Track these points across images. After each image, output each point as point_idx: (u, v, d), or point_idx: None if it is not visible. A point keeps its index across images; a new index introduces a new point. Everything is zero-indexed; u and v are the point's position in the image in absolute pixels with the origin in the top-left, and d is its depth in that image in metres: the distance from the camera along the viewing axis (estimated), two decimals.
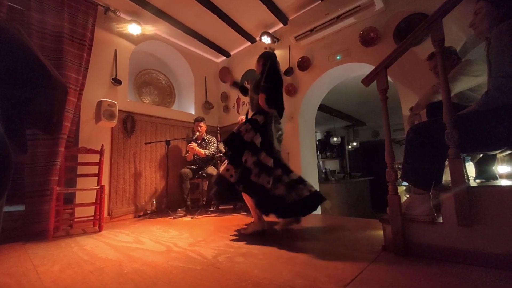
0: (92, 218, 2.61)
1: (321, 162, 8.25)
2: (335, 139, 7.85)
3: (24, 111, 0.78)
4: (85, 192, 2.67)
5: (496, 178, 1.62)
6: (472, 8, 1.35)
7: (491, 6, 1.24)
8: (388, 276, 1.12)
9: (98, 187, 2.52)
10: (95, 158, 2.67)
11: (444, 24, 1.30)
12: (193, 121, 3.79)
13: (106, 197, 2.86)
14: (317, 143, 7.98)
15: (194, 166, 3.50)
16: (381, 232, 1.51)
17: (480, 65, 1.59)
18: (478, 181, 1.65)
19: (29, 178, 2.31)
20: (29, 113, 0.80)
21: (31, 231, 2.24)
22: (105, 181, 2.93)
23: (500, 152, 1.40)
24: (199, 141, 3.58)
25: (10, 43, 0.72)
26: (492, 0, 1.23)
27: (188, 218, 2.96)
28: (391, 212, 1.39)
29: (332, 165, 8.55)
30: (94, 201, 2.59)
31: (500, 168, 1.72)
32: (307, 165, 3.49)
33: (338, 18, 2.92)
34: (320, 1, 3.18)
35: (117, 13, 3.17)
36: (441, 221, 1.26)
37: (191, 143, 3.46)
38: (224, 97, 4.54)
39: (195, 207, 3.49)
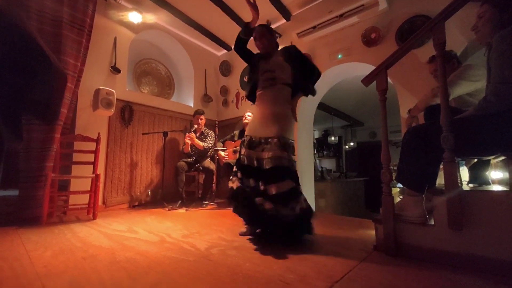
0: (87, 206, 2.60)
1: (318, 161, 8.28)
2: (332, 138, 7.88)
3: (22, 98, 0.77)
4: (80, 180, 2.66)
5: (489, 184, 1.65)
6: (475, 12, 1.35)
7: (494, 11, 1.24)
8: (377, 275, 1.14)
9: (93, 175, 2.51)
10: (91, 146, 2.65)
11: (446, 28, 1.30)
12: (192, 114, 3.78)
13: (101, 185, 2.86)
14: (315, 141, 8.01)
15: (190, 159, 3.50)
16: (373, 232, 1.52)
17: (480, 70, 1.59)
18: (471, 185, 1.67)
19: (23, 163, 2.29)
20: (27, 100, 0.78)
21: (25, 216, 2.23)
22: (100, 170, 2.92)
23: (494, 158, 1.42)
24: (197, 134, 3.57)
25: (10, 28, 0.70)
26: (496, 4, 1.23)
27: (182, 210, 2.97)
28: (384, 212, 1.41)
29: (329, 164, 8.59)
30: (89, 189, 2.58)
31: (493, 174, 1.74)
32: (304, 162, 3.50)
33: (342, 17, 2.91)
34: None
35: (118, 0, 3.12)
36: (433, 223, 1.28)
37: (190, 133, 3.45)
38: (224, 91, 4.52)
39: (190, 200, 3.50)
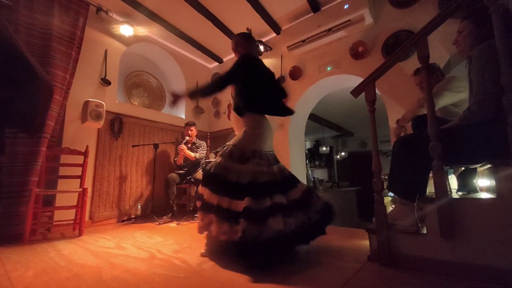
0: (72, 222, 2.50)
1: (310, 171, 8.31)
2: (324, 148, 7.95)
3: (5, 110, 0.74)
4: (66, 194, 2.56)
5: (477, 191, 1.68)
6: (455, 28, 1.42)
7: (473, 26, 1.31)
8: (373, 286, 1.13)
9: (80, 189, 2.43)
10: (79, 159, 2.58)
11: (429, 42, 1.35)
12: (183, 125, 3.75)
13: (88, 200, 2.76)
14: (307, 151, 8.06)
15: (182, 170, 3.44)
16: (367, 242, 1.52)
17: (462, 81, 1.66)
18: (460, 193, 1.70)
19: (6, 178, 2.20)
20: (10, 112, 0.76)
21: (6, 234, 2.12)
22: (88, 184, 2.83)
23: (480, 166, 1.45)
24: (189, 145, 3.54)
25: None
26: (475, 21, 1.30)
27: (174, 224, 2.89)
28: (377, 222, 1.41)
29: (321, 174, 8.63)
30: (75, 204, 2.48)
31: (481, 182, 1.78)
32: (296, 173, 3.48)
33: (330, 31, 3.01)
34: (312, 14, 3.26)
35: (109, 13, 3.13)
36: (425, 232, 1.29)
37: (181, 145, 3.41)
38: (216, 102, 4.53)
39: (182, 213, 3.42)
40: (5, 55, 0.70)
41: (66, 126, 2.76)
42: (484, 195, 1.50)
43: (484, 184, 1.77)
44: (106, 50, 3.20)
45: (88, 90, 2.99)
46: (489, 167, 1.46)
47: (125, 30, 3.24)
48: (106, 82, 3.11)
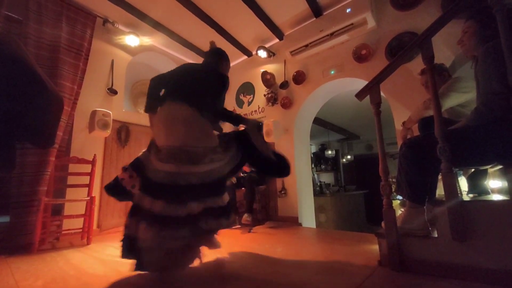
0: (81, 230, 2.52)
1: (316, 175, 8.26)
2: (329, 152, 7.90)
3: (17, 125, 0.76)
4: (75, 203, 2.59)
5: (488, 193, 1.64)
6: (459, 28, 1.41)
7: (478, 26, 1.30)
8: None
9: (88, 198, 2.45)
10: (87, 168, 2.61)
11: (433, 43, 1.34)
12: None
13: (96, 208, 2.78)
14: (312, 155, 8.02)
15: None
16: (376, 246, 1.49)
17: (468, 82, 1.64)
18: (470, 195, 1.66)
19: (15, 188, 2.23)
20: (21, 126, 0.77)
21: (16, 244, 2.14)
22: (95, 192, 2.85)
23: (491, 167, 1.42)
24: None
25: (6, 56, 0.71)
26: (479, 20, 1.30)
27: None
28: (386, 226, 1.38)
29: (327, 178, 8.55)
30: (84, 212, 2.50)
31: (492, 183, 1.74)
32: (302, 177, 3.48)
33: (332, 35, 3.02)
34: (314, 18, 3.28)
35: (115, 25, 3.21)
36: (436, 235, 1.26)
37: None
38: None
39: None
40: (17, 71, 0.72)
41: (74, 135, 2.81)
42: (496, 197, 1.47)
43: (495, 185, 1.73)
44: (112, 60, 3.27)
45: (95, 100, 3.04)
46: (500, 168, 1.43)
47: (131, 40, 3.31)
48: (112, 91, 3.17)
